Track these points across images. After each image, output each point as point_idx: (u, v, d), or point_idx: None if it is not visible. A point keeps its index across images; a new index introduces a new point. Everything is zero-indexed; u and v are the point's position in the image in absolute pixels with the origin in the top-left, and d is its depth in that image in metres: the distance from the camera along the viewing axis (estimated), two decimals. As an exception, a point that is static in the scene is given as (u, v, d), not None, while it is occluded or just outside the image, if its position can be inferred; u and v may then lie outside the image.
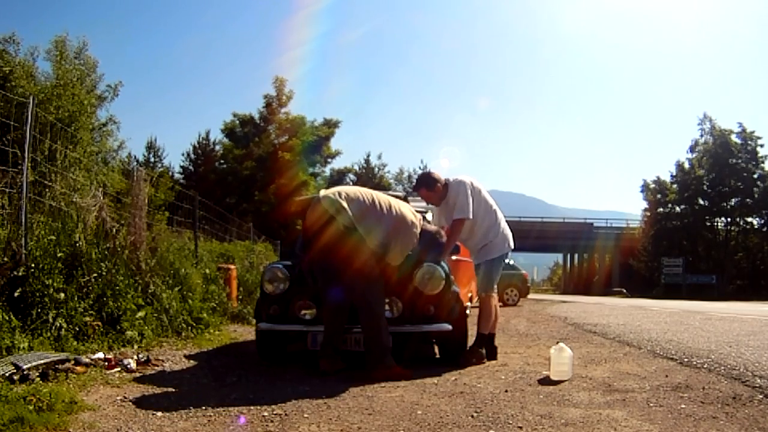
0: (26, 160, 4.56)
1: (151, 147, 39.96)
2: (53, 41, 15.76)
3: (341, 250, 3.88)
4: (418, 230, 4.15)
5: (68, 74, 14.98)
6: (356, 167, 42.46)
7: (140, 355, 4.25)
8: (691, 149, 43.55)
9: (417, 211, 4.35)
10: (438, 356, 4.78)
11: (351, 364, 4.08)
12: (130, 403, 3.05)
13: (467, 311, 4.80)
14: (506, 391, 3.44)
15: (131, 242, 5.82)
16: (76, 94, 14.10)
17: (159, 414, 2.84)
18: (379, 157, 44.21)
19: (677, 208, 43.36)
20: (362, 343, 4.07)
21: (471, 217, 4.43)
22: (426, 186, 4.59)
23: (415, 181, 4.76)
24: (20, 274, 4.11)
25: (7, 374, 3.11)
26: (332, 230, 3.87)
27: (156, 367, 4.10)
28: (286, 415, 2.85)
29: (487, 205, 4.63)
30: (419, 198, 4.98)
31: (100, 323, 4.57)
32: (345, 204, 3.88)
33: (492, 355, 4.62)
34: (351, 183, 39.70)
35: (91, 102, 15.09)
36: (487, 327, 4.57)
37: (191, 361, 4.51)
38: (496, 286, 4.70)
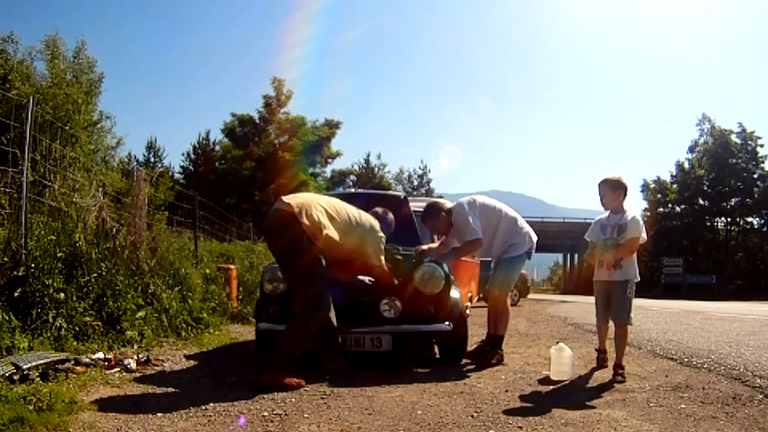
0: (26, 160, 4.56)
1: (151, 147, 40.06)
2: (44, 40, 15.68)
3: (294, 252, 3.76)
4: (378, 227, 4.13)
5: (62, 73, 14.94)
6: (356, 167, 42.45)
7: (140, 355, 4.24)
8: (691, 149, 43.59)
9: (415, 212, 4.35)
10: (438, 356, 4.78)
11: (352, 363, 4.07)
12: (130, 403, 3.05)
13: (467, 311, 4.80)
14: (506, 391, 3.44)
15: (131, 242, 5.82)
16: (69, 94, 14.06)
17: (159, 414, 2.84)
18: (379, 157, 44.25)
19: (677, 208, 43.37)
20: (363, 343, 4.10)
21: (481, 235, 4.43)
22: (432, 216, 4.62)
23: (424, 210, 4.78)
24: (20, 274, 4.10)
25: (7, 374, 3.11)
26: (287, 235, 3.76)
27: (156, 367, 4.09)
28: (286, 415, 2.85)
29: (499, 213, 4.64)
30: (419, 198, 4.99)
31: (100, 323, 4.56)
32: (295, 208, 3.73)
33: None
34: (351, 183, 39.66)
35: (84, 99, 15.04)
36: (504, 328, 4.59)
37: (191, 361, 4.50)
38: (513, 287, 4.69)
